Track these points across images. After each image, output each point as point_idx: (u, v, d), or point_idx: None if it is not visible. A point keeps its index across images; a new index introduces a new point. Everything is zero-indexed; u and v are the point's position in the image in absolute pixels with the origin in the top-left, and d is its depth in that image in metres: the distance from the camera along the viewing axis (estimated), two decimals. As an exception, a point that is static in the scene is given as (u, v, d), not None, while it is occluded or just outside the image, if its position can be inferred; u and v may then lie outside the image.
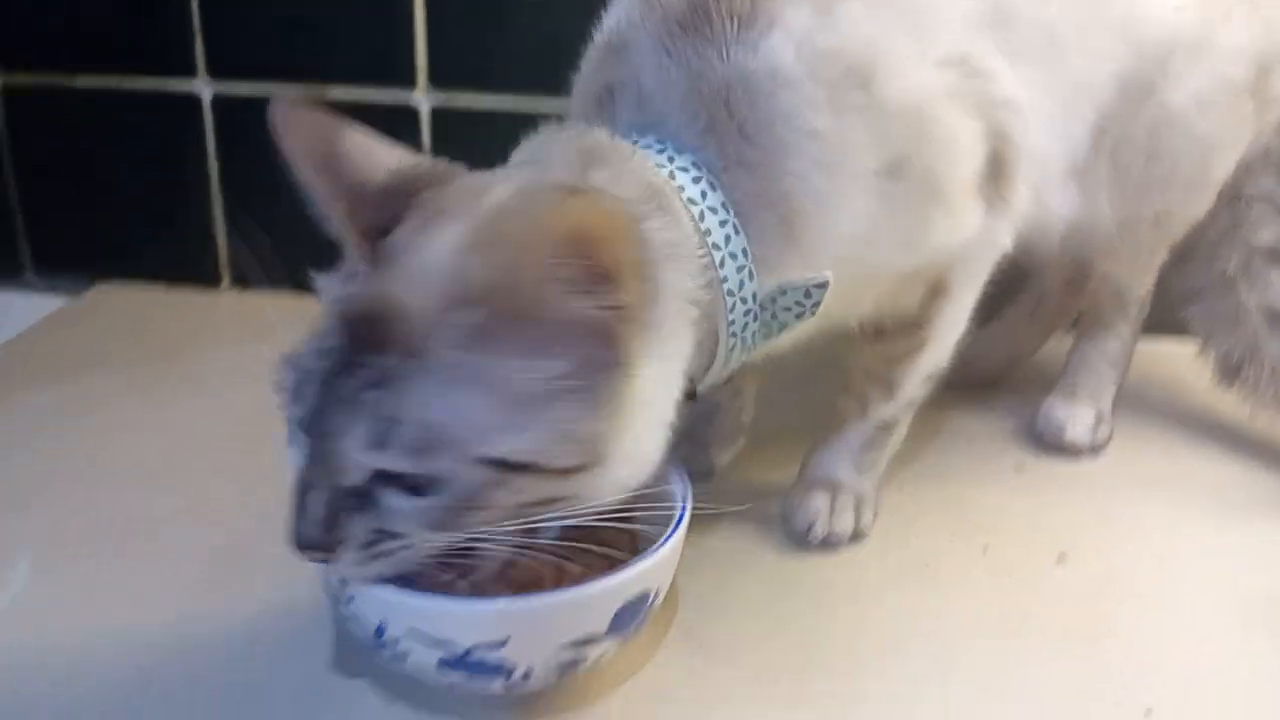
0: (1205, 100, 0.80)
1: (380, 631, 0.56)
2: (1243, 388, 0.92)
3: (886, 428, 0.81)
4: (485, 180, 0.62)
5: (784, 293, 0.66)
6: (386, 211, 0.60)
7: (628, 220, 0.54)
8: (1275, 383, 0.90)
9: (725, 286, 0.64)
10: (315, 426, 0.56)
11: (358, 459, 0.55)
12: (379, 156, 0.63)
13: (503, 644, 0.56)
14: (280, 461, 0.59)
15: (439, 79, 1.15)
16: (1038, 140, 0.73)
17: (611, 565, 0.63)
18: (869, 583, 0.77)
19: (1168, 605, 0.75)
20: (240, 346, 1.09)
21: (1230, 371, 0.93)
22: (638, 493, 0.61)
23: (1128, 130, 0.80)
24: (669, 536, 0.62)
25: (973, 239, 0.72)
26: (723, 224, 0.64)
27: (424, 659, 0.56)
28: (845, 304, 0.71)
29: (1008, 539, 0.81)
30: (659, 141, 0.65)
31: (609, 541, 0.61)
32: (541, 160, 0.64)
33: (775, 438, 0.90)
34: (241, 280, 1.25)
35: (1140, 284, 0.94)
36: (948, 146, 0.68)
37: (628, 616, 0.60)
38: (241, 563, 0.77)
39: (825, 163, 0.64)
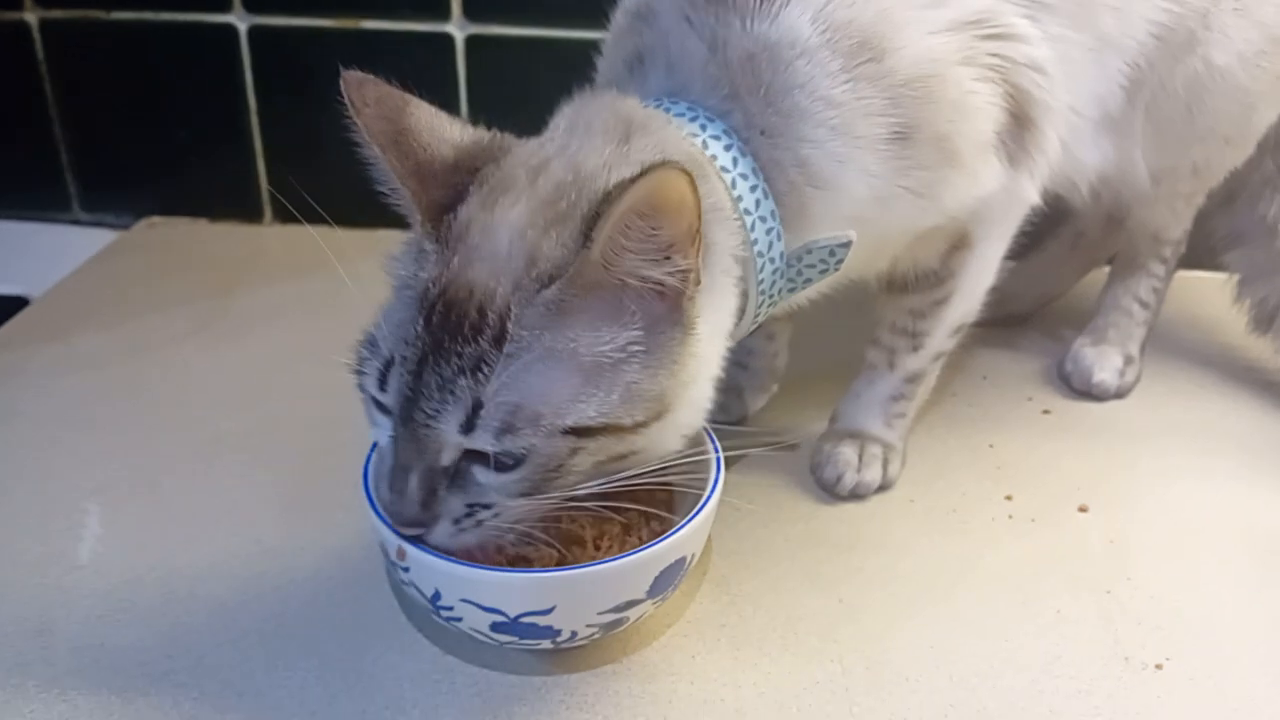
0: (1250, 54, 0.79)
1: (436, 598, 0.60)
2: (1276, 336, 0.93)
3: (914, 380, 0.83)
4: (541, 154, 0.64)
5: (809, 252, 0.69)
6: (451, 188, 0.63)
7: (695, 189, 0.56)
8: None
9: (755, 248, 0.67)
10: (409, 413, 0.59)
11: (452, 442, 0.58)
12: (443, 131, 0.65)
13: (550, 611, 0.60)
14: (339, 396, 0.63)
15: (473, 9, 1.14)
16: (1064, 97, 0.73)
17: (648, 519, 0.67)
18: (897, 531, 0.80)
19: (1185, 556, 0.77)
20: (289, 281, 1.13)
21: (1265, 319, 0.94)
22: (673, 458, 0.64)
23: (1166, 83, 0.79)
24: (704, 504, 0.65)
25: (994, 194, 0.73)
26: (753, 189, 0.66)
27: (477, 622, 0.61)
28: (864, 260, 0.73)
29: (1032, 486, 0.84)
30: (690, 109, 0.67)
31: (645, 500, 0.66)
32: (581, 129, 0.66)
33: (808, 383, 0.93)
34: (283, 214, 1.27)
35: (1177, 227, 0.94)
36: (959, 110, 0.68)
37: (665, 580, 0.63)
38: (307, 496, 0.82)
39: (841, 129, 0.66)
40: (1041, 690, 0.66)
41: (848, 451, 0.82)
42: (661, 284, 0.59)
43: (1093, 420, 0.92)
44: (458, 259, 0.60)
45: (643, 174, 0.55)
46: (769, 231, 0.67)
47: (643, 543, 0.66)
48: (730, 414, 0.90)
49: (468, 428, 0.58)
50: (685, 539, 0.63)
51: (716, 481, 0.67)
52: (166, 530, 0.78)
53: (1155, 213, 0.91)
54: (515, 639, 0.61)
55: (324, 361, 0.99)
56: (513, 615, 0.59)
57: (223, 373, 0.99)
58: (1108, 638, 0.70)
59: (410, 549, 0.59)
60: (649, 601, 0.63)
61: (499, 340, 0.57)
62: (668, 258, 0.58)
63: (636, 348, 0.59)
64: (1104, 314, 0.97)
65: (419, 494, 0.59)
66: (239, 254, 1.21)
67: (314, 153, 1.22)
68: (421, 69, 1.17)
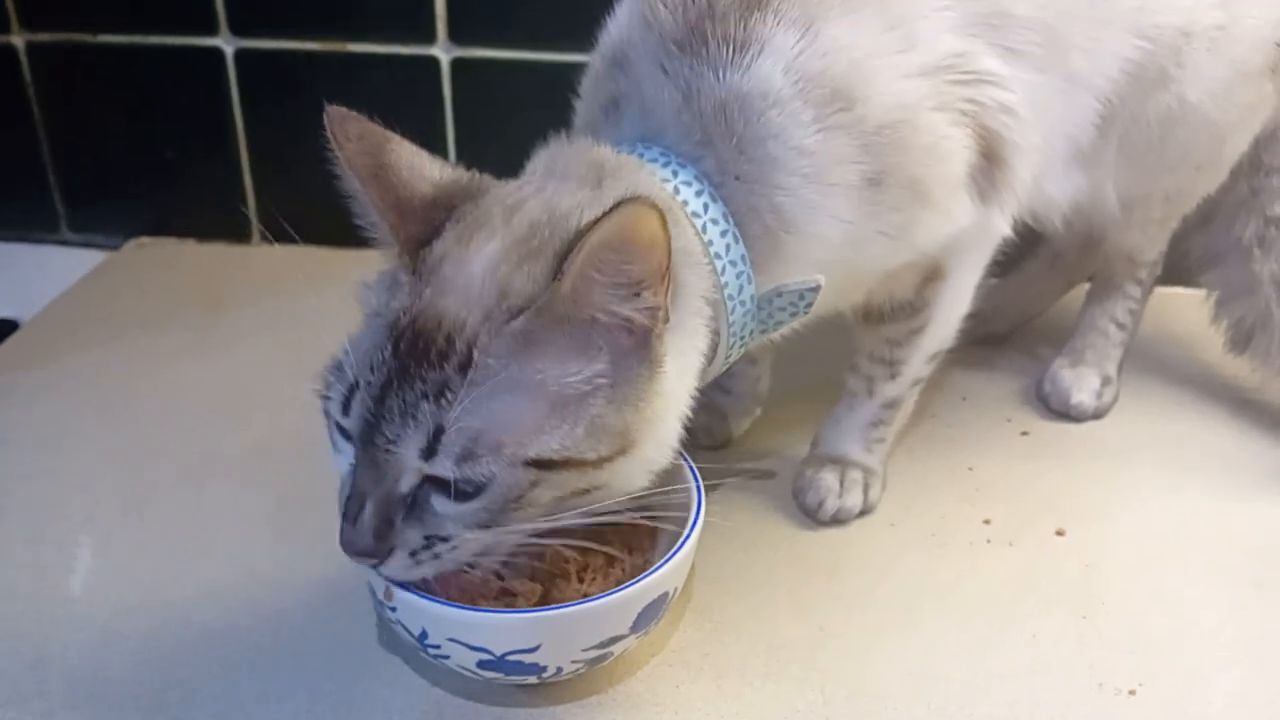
0: (1220, 90, 0.80)
1: (423, 637, 0.62)
2: (1254, 356, 0.94)
3: (893, 405, 0.85)
4: (517, 194, 0.66)
5: (779, 295, 0.71)
6: (429, 223, 0.64)
7: (666, 226, 0.58)
8: None
9: (726, 291, 0.68)
10: (369, 437, 0.60)
11: (411, 466, 0.59)
12: (423, 169, 0.67)
13: (535, 649, 0.61)
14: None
15: (458, 33, 1.15)
16: (1034, 137, 0.74)
17: (630, 550, 0.68)
18: (876, 555, 0.81)
19: (1160, 579, 0.79)
20: (279, 301, 1.14)
21: (1242, 339, 0.95)
22: (653, 490, 0.65)
23: (1138, 117, 0.81)
24: (686, 539, 0.66)
25: (966, 230, 0.74)
26: (723, 234, 0.67)
27: (464, 660, 0.62)
28: (838, 296, 0.75)
29: (1010, 509, 0.85)
30: (663, 154, 0.68)
31: (627, 532, 0.68)
32: (558, 173, 0.67)
33: (791, 406, 0.94)
34: (271, 235, 1.28)
35: (1151, 249, 0.96)
36: (931, 154, 0.70)
37: (649, 615, 0.65)
38: (298, 522, 0.82)
39: (813, 177, 0.67)
40: (1016, 716, 0.68)
41: (829, 477, 0.84)
42: (630, 320, 0.60)
43: (1071, 441, 0.94)
44: (430, 290, 0.61)
45: (614, 209, 0.56)
46: (739, 275, 0.68)
47: (626, 574, 0.68)
48: (715, 438, 0.91)
49: (428, 453, 0.58)
50: (668, 575, 0.64)
51: (698, 515, 0.68)
52: (158, 559, 0.80)
53: (1129, 236, 0.93)
54: (501, 675, 0.62)
55: (310, 381, 1.00)
56: (499, 654, 0.60)
57: (213, 395, 1.00)
58: (1082, 663, 0.72)
59: (397, 590, 0.60)
60: (632, 636, 0.65)
61: (464, 367, 0.58)
62: (637, 294, 0.59)
63: (602, 381, 0.60)
64: (1081, 335, 0.99)
65: (373, 523, 0.60)
66: (228, 274, 1.22)
67: (300, 174, 1.23)
68: (407, 92, 1.18)
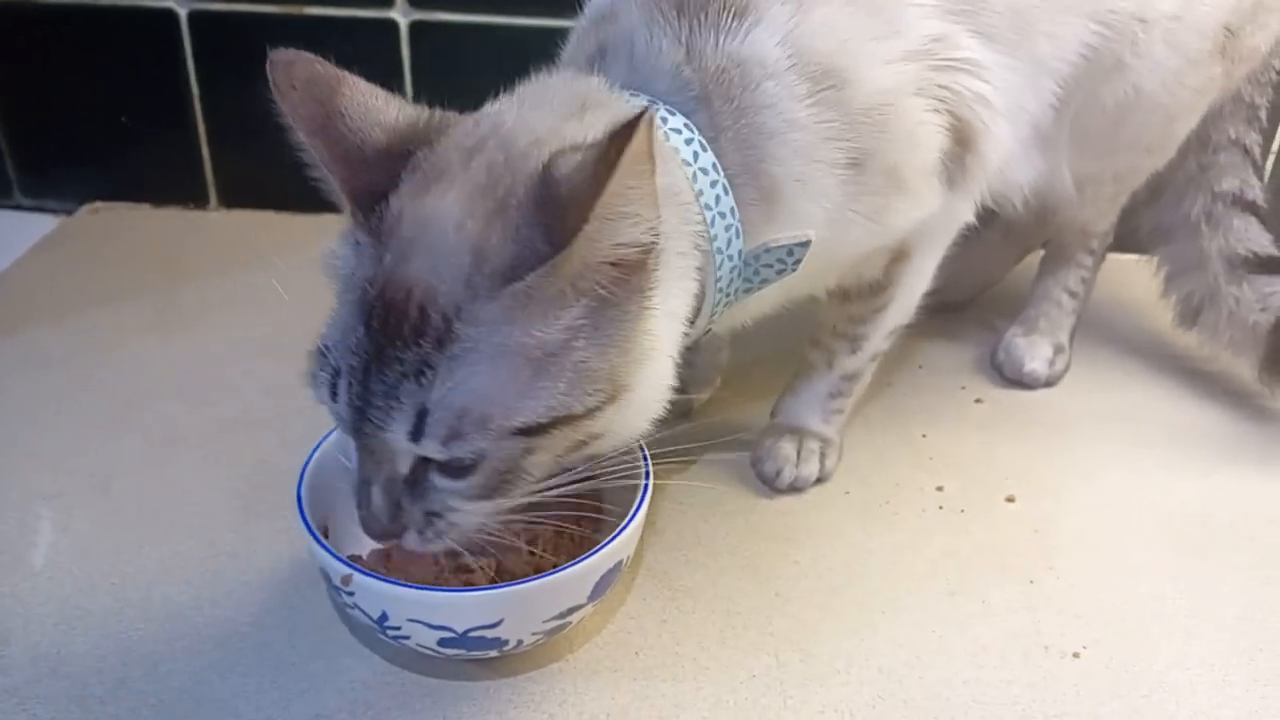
0: (1174, 76, 0.81)
1: (383, 619, 0.62)
2: (1202, 330, 0.96)
3: (851, 378, 0.86)
4: (476, 133, 0.62)
5: (767, 251, 0.69)
6: (383, 174, 0.60)
7: (655, 151, 0.55)
8: (1232, 327, 0.93)
9: (715, 244, 0.67)
10: (359, 424, 0.59)
11: (403, 450, 0.59)
12: (377, 113, 0.62)
13: (497, 624, 0.62)
14: (293, 390, 0.64)
15: (418, -5, 1.14)
16: (1004, 124, 0.75)
17: (579, 522, 0.70)
18: (831, 523, 0.83)
19: (1107, 545, 0.81)
20: (239, 268, 1.14)
21: (1191, 314, 0.97)
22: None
23: (1093, 101, 0.81)
24: (637, 508, 0.67)
25: (935, 214, 0.75)
26: (713, 184, 0.66)
27: (425, 639, 0.63)
28: (814, 277, 0.75)
29: (963, 477, 0.87)
30: (652, 101, 0.66)
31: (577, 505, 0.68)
32: (530, 101, 0.65)
33: (749, 378, 0.95)
34: (228, 198, 1.27)
35: (1103, 221, 0.97)
36: (909, 141, 0.70)
37: (604, 583, 0.66)
38: (262, 497, 0.83)
39: (803, 152, 0.67)
40: (965, 680, 0.70)
41: (787, 447, 0.85)
42: (623, 259, 0.58)
43: (1023, 409, 0.96)
44: (390, 255, 0.58)
45: (617, 138, 0.53)
46: (728, 228, 0.67)
47: (576, 541, 0.69)
48: (674, 408, 0.92)
49: (416, 435, 0.57)
50: (623, 544, 0.66)
51: (647, 483, 0.69)
52: (121, 535, 0.80)
53: (1082, 213, 0.94)
54: (463, 651, 0.64)
55: (277, 354, 1.01)
56: (461, 631, 0.62)
57: (174, 367, 0.99)
58: (1030, 627, 0.74)
59: (356, 575, 0.61)
60: (590, 605, 0.66)
61: (442, 341, 0.56)
62: (614, 231, 0.57)
63: (583, 324, 0.58)
64: (1035, 305, 1.00)
65: (384, 505, 0.60)
66: (185, 240, 1.21)
67: (259, 137, 1.22)
68: (365, 56, 1.15)
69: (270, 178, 1.24)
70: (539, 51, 1.17)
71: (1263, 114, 0.94)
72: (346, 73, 0.63)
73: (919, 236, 0.77)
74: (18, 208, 1.28)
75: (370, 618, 0.63)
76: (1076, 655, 0.72)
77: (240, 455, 0.88)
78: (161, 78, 1.20)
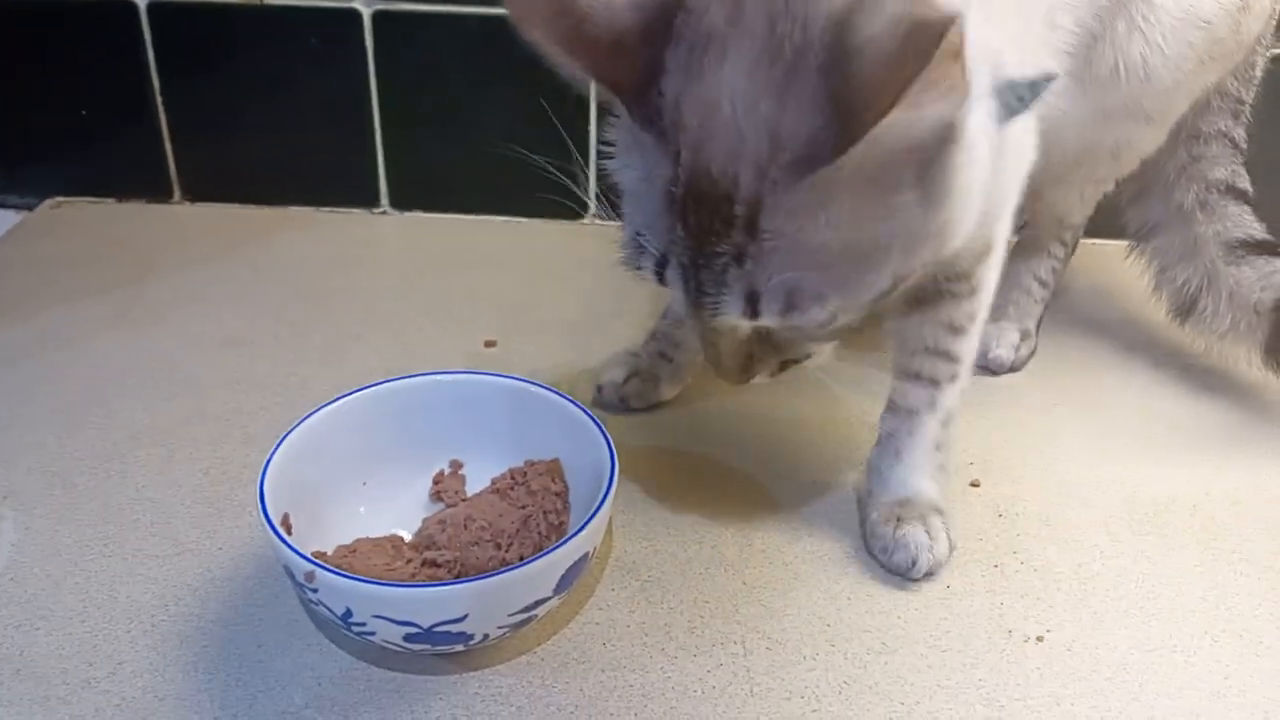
0: (1182, 37, 0.80)
1: (347, 615, 0.62)
2: (1198, 321, 0.96)
3: (947, 422, 0.79)
4: None
5: (1011, 87, 0.60)
6: (650, 58, 0.54)
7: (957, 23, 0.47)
8: (1232, 309, 0.93)
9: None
10: (696, 306, 0.57)
11: (743, 325, 0.58)
12: None
13: (462, 619, 0.62)
14: (255, 386, 0.63)
15: (379, -15, 1.14)
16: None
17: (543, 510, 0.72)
18: (796, 509, 0.83)
19: (1069, 529, 0.82)
20: (203, 263, 1.13)
21: (1186, 305, 0.96)
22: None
23: (1101, 59, 0.79)
24: (603, 499, 0.67)
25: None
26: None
27: (390, 635, 0.63)
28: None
29: (927, 462, 0.87)
30: None
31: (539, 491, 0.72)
32: None
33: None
34: (192, 192, 1.26)
35: (1081, 212, 0.97)
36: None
37: (571, 576, 0.66)
38: (225, 493, 0.83)
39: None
40: (930, 665, 0.70)
41: (917, 532, 0.76)
42: (926, 125, 0.51)
43: (988, 394, 0.96)
44: (685, 150, 0.53)
45: (904, 52, 0.46)
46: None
47: (540, 534, 0.70)
48: (645, 400, 0.92)
49: (752, 313, 0.55)
50: (589, 536, 0.66)
51: (613, 476, 0.69)
52: (83, 533, 0.79)
53: (1065, 197, 0.94)
54: (429, 647, 0.63)
55: (239, 348, 1.00)
56: (426, 626, 0.61)
57: (135, 362, 0.98)
58: (993, 611, 0.75)
59: (320, 571, 0.61)
60: (556, 598, 0.66)
61: (752, 231, 0.53)
62: (938, 93, 0.49)
63: (910, 199, 0.54)
64: (1004, 291, 1.00)
65: (735, 365, 0.63)
66: (150, 234, 1.20)
67: (222, 129, 1.22)
68: (328, 46, 1.17)
69: (234, 171, 1.24)
70: (505, 42, 1.17)
71: (1247, 109, 0.94)
72: None
73: (1001, 223, 0.71)
74: (-22, 204, 1.27)
75: (335, 614, 0.63)
76: (1040, 639, 0.72)
77: (202, 450, 0.87)
78: (122, 71, 1.19)
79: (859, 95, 0.48)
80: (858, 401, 0.94)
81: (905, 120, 0.49)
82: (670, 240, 0.56)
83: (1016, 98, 0.60)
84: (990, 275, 0.75)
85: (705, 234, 0.54)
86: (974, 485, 0.86)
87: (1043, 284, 1.00)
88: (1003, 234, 0.74)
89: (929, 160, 0.53)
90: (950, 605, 0.75)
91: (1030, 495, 0.85)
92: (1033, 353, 1.00)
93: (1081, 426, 0.93)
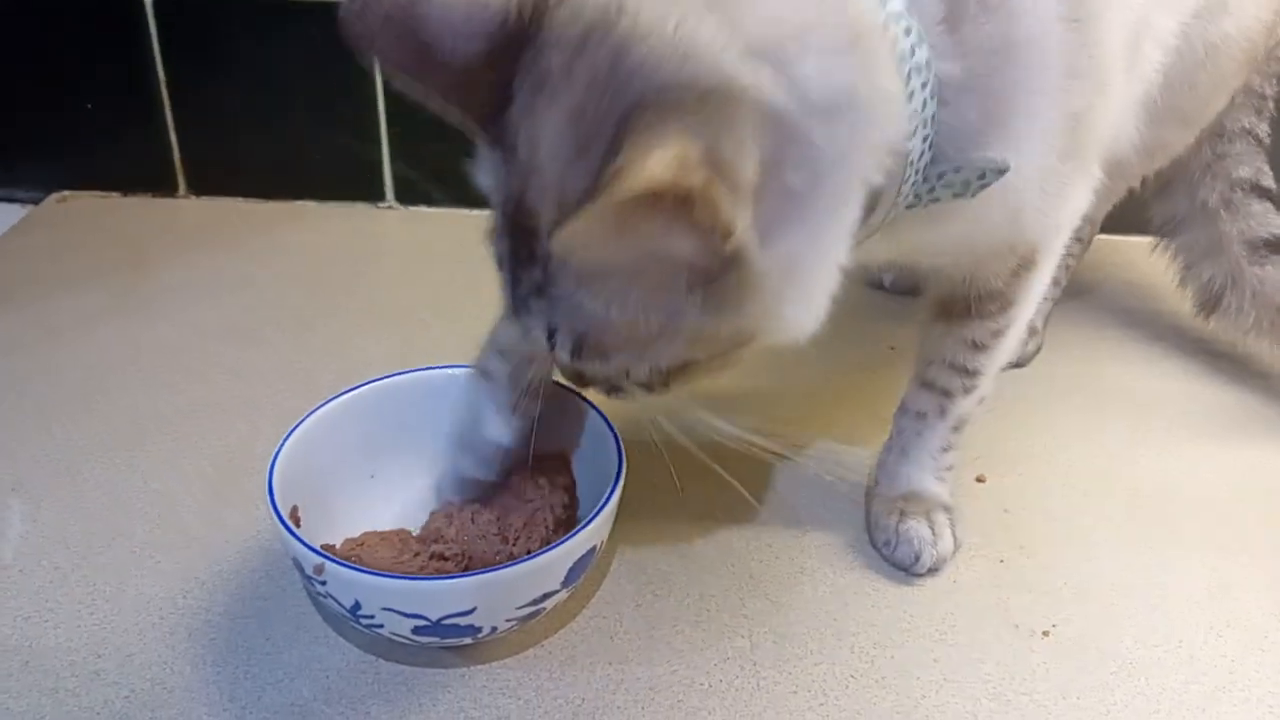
0: (1229, 52, 0.79)
1: (356, 608, 0.62)
2: (1224, 315, 0.96)
3: (959, 428, 0.79)
4: (585, 14, 0.51)
5: (957, 170, 0.59)
6: (499, 85, 0.53)
7: (710, 185, 0.45)
8: (1256, 306, 0.93)
9: (909, 157, 0.57)
10: (516, 318, 0.57)
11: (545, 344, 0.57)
12: (468, 19, 0.53)
13: (470, 612, 0.62)
14: (262, 377, 0.63)
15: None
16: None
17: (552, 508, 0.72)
18: (802, 504, 0.83)
19: (1074, 523, 0.82)
20: (207, 256, 1.13)
21: (1211, 300, 0.96)
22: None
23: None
24: (610, 494, 0.67)
25: (1075, 213, 0.68)
26: (924, 86, 0.56)
27: (399, 627, 0.63)
28: (938, 253, 0.68)
29: (933, 456, 0.87)
30: None
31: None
32: None
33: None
34: (197, 186, 1.26)
35: (1103, 209, 0.96)
36: (1108, 106, 0.63)
37: (578, 569, 0.66)
38: (231, 485, 0.83)
39: (1047, 79, 0.58)
40: (936, 659, 0.71)
41: (920, 526, 0.76)
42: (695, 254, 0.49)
43: (996, 385, 0.96)
44: (514, 179, 0.53)
45: (646, 179, 0.44)
46: (925, 140, 0.57)
47: (548, 528, 0.70)
48: None
49: (550, 343, 0.56)
50: (596, 530, 0.66)
51: (620, 469, 0.69)
52: (90, 525, 0.79)
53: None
54: (437, 639, 0.64)
55: (245, 340, 1.00)
56: (435, 619, 0.62)
57: (141, 355, 0.99)
58: (999, 605, 0.75)
59: (328, 564, 0.61)
60: (564, 591, 0.66)
61: (547, 274, 0.53)
62: (695, 240, 0.48)
63: (676, 303, 0.52)
64: None
65: (570, 374, 0.61)
66: (155, 228, 1.20)
67: (226, 123, 1.22)
68: (333, 40, 1.16)
69: (239, 164, 1.24)
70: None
71: (1271, 104, 0.93)
72: None
73: (1051, 236, 0.68)
74: (-17, 197, 1.27)
75: (343, 607, 0.63)
76: (1046, 633, 0.73)
77: (208, 442, 0.87)
78: (127, 65, 1.19)
79: (604, 199, 0.45)
80: (867, 396, 0.94)
81: (650, 238, 0.48)
82: (500, 252, 0.56)
83: (963, 181, 0.59)
84: (1028, 292, 0.71)
85: (519, 259, 0.55)
86: (979, 480, 0.86)
87: (1055, 281, 0.98)
88: (1049, 254, 0.70)
89: (710, 276, 0.50)
90: (956, 599, 0.75)
91: (1035, 489, 0.85)
92: (1039, 349, 0.99)
93: (1085, 420, 0.93)
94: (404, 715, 0.66)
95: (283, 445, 0.69)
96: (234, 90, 1.20)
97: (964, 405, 0.77)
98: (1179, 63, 0.76)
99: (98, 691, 0.67)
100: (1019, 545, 0.80)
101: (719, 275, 0.50)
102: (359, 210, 1.25)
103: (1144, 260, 1.03)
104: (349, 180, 1.23)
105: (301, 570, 0.64)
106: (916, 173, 0.58)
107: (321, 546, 0.65)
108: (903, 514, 0.77)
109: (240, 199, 1.25)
